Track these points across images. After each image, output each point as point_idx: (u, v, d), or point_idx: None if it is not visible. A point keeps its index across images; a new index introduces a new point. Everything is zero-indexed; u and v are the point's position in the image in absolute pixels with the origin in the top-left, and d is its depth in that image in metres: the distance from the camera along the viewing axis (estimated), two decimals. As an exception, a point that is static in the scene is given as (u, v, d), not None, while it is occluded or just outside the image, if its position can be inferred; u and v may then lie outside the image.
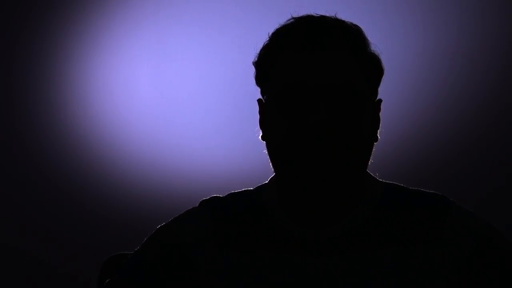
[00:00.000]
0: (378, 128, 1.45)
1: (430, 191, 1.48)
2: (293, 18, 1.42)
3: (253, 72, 1.46)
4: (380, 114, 1.46)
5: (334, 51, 1.38)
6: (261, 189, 1.51)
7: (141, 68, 3.37)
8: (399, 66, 3.24)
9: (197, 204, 1.53)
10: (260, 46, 1.44)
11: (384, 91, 1.48)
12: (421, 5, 3.27)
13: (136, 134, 3.35)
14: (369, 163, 1.44)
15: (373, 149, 1.43)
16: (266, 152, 1.43)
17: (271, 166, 1.43)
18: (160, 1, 3.36)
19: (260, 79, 1.45)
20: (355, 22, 1.43)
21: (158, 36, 3.37)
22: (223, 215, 1.48)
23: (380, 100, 1.46)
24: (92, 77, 3.37)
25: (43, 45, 3.37)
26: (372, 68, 1.42)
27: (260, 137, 1.45)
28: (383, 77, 1.46)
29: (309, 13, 1.42)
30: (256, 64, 1.45)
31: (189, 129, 3.34)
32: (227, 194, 1.53)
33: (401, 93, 3.25)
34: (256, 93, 1.47)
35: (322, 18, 1.41)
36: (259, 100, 1.46)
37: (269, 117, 1.42)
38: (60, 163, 3.36)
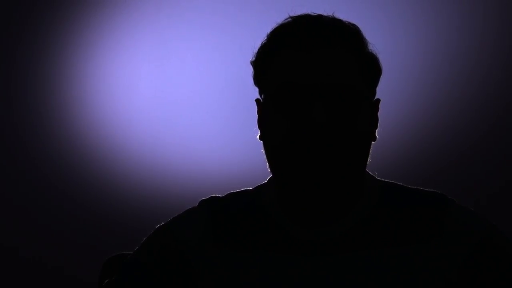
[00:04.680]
0: (376, 128, 1.45)
1: (429, 190, 1.48)
2: (290, 17, 1.42)
3: (252, 72, 1.46)
4: (379, 113, 1.46)
5: (332, 50, 1.38)
6: (260, 189, 1.51)
7: (141, 68, 3.37)
8: (399, 66, 3.24)
9: (197, 204, 1.53)
10: (258, 45, 1.44)
11: (383, 91, 1.48)
12: (421, 4, 3.27)
13: (136, 134, 3.35)
14: (368, 163, 1.44)
15: (371, 148, 1.43)
16: (263, 152, 1.43)
17: (268, 166, 1.43)
18: (160, 1, 3.36)
19: (258, 79, 1.45)
20: (353, 21, 1.42)
21: (159, 36, 3.37)
22: (222, 215, 1.48)
23: (379, 100, 1.46)
24: (93, 76, 3.37)
25: (43, 45, 3.38)
26: (370, 68, 1.42)
27: (258, 137, 1.45)
28: (383, 76, 1.45)
29: (306, 13, 1.42)
30: (254, 63, 1.45)
31: (189, 129, 3.34)
32: (226, 194, 1.53)
33: (400, 93, 3.25)
34: (256, 93, 1.47)
35: (320, 17, 1.41)
36: (257, 100, 1.46)
37: (267, 116, 1.42)
38: (60, 163, 3.36)
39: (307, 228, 1.42)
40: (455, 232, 1.42)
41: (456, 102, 3.28)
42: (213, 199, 1.52)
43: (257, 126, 1.46)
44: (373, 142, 1.43)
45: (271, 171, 1.43)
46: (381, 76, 1.45)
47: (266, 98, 1.42)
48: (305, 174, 1.37)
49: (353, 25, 1.42)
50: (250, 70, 1.46)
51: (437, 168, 3.27)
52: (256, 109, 1.47)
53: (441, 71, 3.28)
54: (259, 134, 1.45)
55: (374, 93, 1.45)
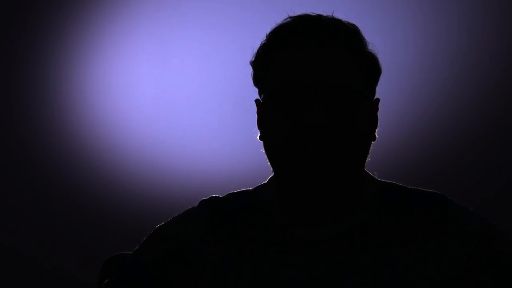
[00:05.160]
0: (375, 127, 1.45)
1: (429, 190, 1.48)
2: (290, 17, 1.42)
3: (251, 72, 1.46)
4: (378, 113, 1.46)
5: (331, 49, 1.38)
6: (260, 189, 1.51)
7: (141, 68, 3.37)
8: (398, 66, 3.24)
9: (197, 204, 1.53)
10: (257, 46, 1.44)
11: (383, 90, 1.48)
12: (421, 4, 3.27)
13: (136, 134, 3.35)
14: (368, 162, 1.44)
15: (371, 148, 1.43)
16: (264, 152, 1.43)
17: (269, 165, 1.43)
18: (161, 1, 3.36)
19: (257, 79, 1.45)
20: (352, 21, 1.42)
21: (159, 36, 3.37)
22: (222, 215, 1.48)
23: (378, 99, 1.46)
24: (93, 76, 3.37)
25: (43, 45, 3.37)
26: (370, 67, 1.42)
27: (258, 137, 1.45)
28: (382, 76, 1.45)
29: (306, 13, 1.42)
30: (254, 63, 1.45)
31: (189, 129, 3.34)
32: (226, 194, 1.53)
33: (400, 93, 3.25)
34: (256, 93, 1.47)
35: (319, 17, 1.41)
36: (256, 101, 1.46)
37: (266, 116, 1.42)
38: (60, 163, 3.36)
39: (307, 228, 1.43)
40: (454, 232, 1.42)
41: (456, 102, 3.28)
42: (213, 199, 1.52)
43: (257, 127, 1.46)
44: (373, 142, 1.43)
45: (273, 170, 1.43)
46: (381, 76, 1.45)
47: (266, 98, 1.42)
48: (305, 174, 1.37)
49: (353, 25, 1.42)
50: (249, 70, 1.46)
51: (437, 168, 3.27)
52: (256, 110, 1.47)
53: (441, 71, 3.28)
54: (259, 135, 1.45)
55: (374, 93, 1.45)
